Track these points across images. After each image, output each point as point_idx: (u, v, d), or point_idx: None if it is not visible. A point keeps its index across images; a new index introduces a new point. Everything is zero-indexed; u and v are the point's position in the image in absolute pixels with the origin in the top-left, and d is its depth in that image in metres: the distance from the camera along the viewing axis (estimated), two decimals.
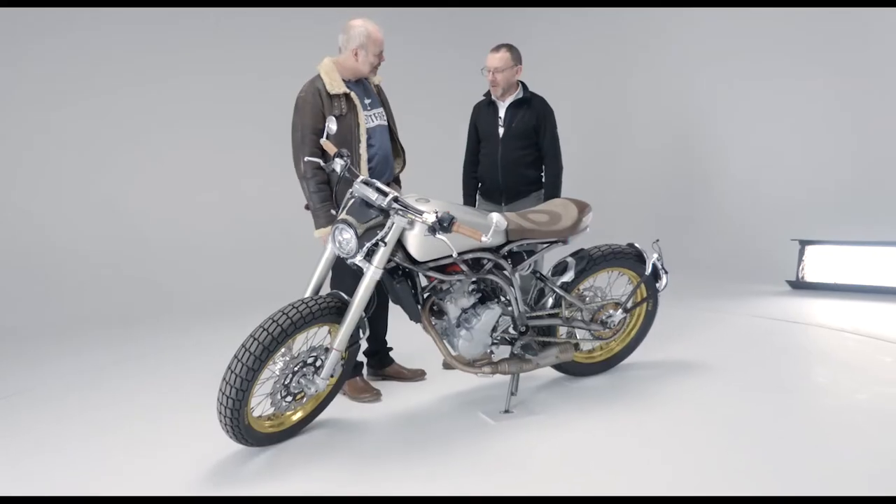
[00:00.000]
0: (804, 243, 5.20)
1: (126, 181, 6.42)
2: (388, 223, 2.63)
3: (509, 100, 3.56)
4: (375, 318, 3.40)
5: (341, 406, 3.15)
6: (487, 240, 2.51)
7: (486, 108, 3.67)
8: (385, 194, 2.63)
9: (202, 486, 2.50)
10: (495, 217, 2.53)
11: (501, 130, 3.56)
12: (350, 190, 2.75)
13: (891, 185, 5.47)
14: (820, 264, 5.12)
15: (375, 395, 3.27)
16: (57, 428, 3.18)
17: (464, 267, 2.82)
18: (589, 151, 7.35)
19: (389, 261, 2.69)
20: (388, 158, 3.38)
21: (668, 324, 4.08)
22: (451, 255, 2.70)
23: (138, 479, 2.59)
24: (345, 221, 2.67)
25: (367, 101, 3.28)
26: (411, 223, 2.62)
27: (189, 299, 5.77)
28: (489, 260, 2.89)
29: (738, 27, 6.32)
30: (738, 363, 3.50)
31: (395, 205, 2.60)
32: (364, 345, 3.30)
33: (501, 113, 3.57)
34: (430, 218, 2.48)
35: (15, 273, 5.77)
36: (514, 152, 3.53)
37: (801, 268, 5.17)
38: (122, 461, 2.77)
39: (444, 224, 2.46)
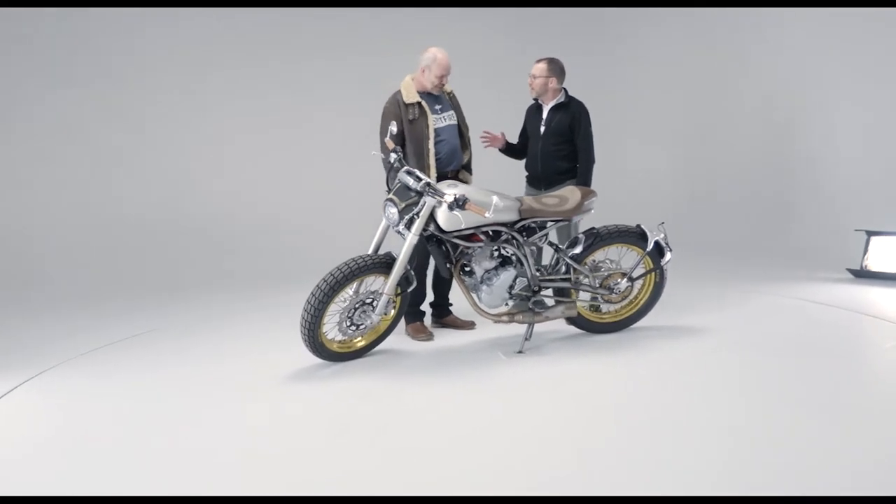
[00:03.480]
0: (870, 234, 5.39)
1: (212, 168, 7.45)
2: (421, 202, 3.56)
3: (551, 104, 4.31)
4: (441, 279, 4.36)
5: (402, 341, 4.15)
6: (490, 216, 3.38)
7: (534, 110, 4.44)
8: (420, 180, 3.55)
9: (293, 378, 3.59)
10: (494, 199, 3.39)
11: (543, 129, 4.32)
12: (397, 176, 3.71)
13: None
14: (885, 255, 5.31)
15: (430, 336, 4.23)
16: (196, 339, 4.48)
17: (483, 237, 3.68)
18: (684, 143, 7.75)
19: (425, 230, 3.62)
20: (456, 151, 4.29)
21: (709, 301, 4.64)
22: (470, 227, 3.58)
23: (250, 372, 3.74)
24: (391, 200, 3.64)
25: (437, 107, 4.21)
26: (438, 202, 3.52)
27: (270, 266, 6.72)
28: (506, 232, 3.73)
29: (828, 27, 6.49)
30: (752, 335, 3.92)
31: (426, 188, 3.52)
32: (431, 297, 4.31)
33: (544, 114, 4.33)
34: (449, 199, 3.39)
35: (119, 241, 6.99)
36: (550, 147, 4.26)
37: (865, 258, 5.38)
38: (233, 365, 3.95)
39: (459, 203, 3.36)
